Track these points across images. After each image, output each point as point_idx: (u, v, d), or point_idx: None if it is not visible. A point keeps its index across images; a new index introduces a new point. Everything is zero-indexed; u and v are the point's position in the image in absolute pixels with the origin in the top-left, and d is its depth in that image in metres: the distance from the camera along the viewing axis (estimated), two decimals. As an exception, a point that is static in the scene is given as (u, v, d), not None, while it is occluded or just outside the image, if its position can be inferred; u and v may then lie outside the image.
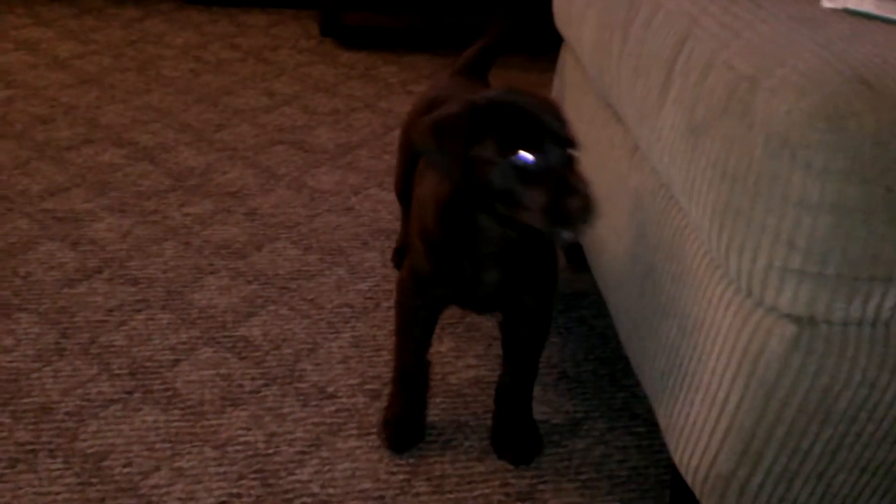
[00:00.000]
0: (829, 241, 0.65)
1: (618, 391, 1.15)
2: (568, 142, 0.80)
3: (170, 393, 1.09)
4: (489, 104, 0.82)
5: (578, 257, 1.31)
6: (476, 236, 0.88)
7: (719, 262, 0.76)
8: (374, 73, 2.14)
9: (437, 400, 1.11)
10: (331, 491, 0.97)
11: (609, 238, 1.06)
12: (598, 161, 1.13)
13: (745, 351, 0.72)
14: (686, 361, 0.82)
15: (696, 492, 0.83)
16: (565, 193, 0.77)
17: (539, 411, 1.09)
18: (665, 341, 0.87)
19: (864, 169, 0.63)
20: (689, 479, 0.84)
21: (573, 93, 1.31)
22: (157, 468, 0.98)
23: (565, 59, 1.39)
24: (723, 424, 0.76)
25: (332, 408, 1.09)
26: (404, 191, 1.19)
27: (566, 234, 0.79)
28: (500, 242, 0.88)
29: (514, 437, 1.03)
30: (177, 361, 1.15)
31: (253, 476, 0.98)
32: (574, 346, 1.23)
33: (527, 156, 0.78)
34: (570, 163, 0.80)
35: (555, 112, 0.83)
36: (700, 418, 0.79)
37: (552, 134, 0.79)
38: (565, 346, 1.23)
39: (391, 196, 1.58)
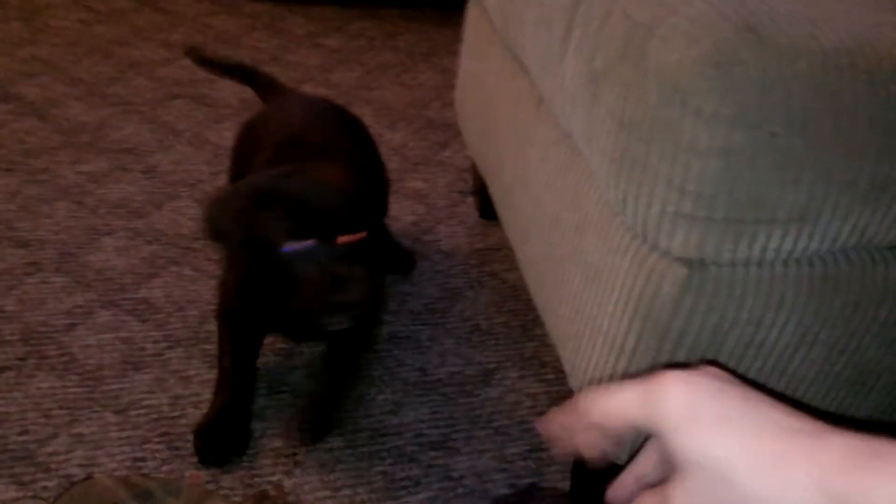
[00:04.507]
0: (717, 185, 0.67)
1: (528, 341, 1.18)
2: (339, 227, 0.83)
3: (66, 358, 1.05)
4: (271, 190, 0.85)
5: (490, 212, 1.32)
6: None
7: (618, 210, 0.78)
8: (279, 25, 2.06)
9: (349, 355, 1.11)
10: (240, 450, 0.96)
11: (517, 191, 1.07)
12: (506, 114, 1.13)
13: (640, 294, 0.75)
14: (588, 307, 0.85)
15: (599, 432, 0.86)
16: (333, 288, 0.82)
17: (452, 363, 1.10)
18: (570, 290, 0.89)
19: (750, 115, 0.65)
20: (591, 420, 0.87)
21: (481, 45, 1.30)
22: (55, 435, 0.94)
23: (473, 11, 1.37)
24: (621, 365, 0.79)
25: (241, 367, 1.07)
26: None
27: (335, 323, 0.87)
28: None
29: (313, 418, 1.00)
30: (73, 326, 1.10)
31: (158, 440, 0.95)
32: (486, 300, 1.24)
33: (292, 245, 0.83)
34: (342, 252, 0.83)
35: (330, 196, 0.85)
36: (601, 361, 0.82)
37: (321, 222, 0.83)
38: (478, 300, 1.24)
39: (300, 152, 1.54)
